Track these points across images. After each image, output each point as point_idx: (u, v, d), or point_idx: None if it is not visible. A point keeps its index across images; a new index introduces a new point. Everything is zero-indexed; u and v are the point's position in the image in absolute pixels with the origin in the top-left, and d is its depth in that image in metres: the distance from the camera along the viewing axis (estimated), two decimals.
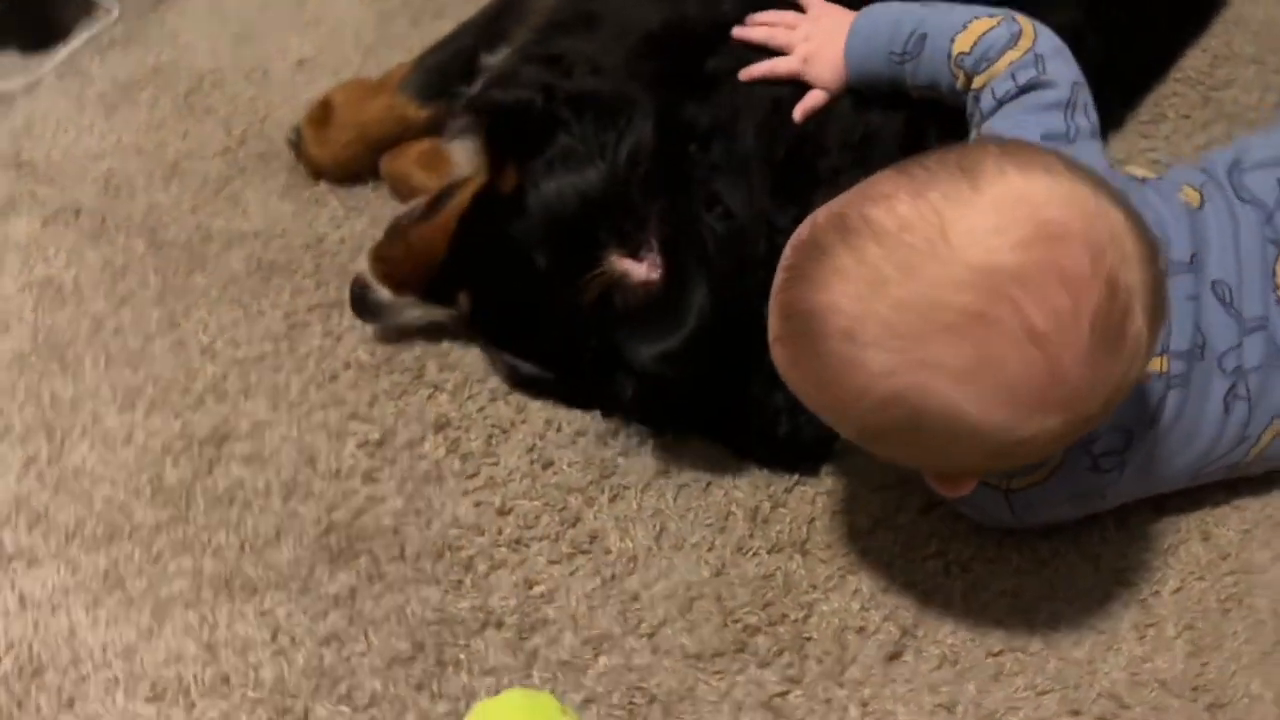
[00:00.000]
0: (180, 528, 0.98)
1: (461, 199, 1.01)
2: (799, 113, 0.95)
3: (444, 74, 1.20)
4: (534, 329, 0.97)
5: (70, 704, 0.87)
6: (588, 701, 0.85)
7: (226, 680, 0.88)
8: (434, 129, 1.23)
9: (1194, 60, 1.27)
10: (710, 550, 0.94)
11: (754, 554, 0.94)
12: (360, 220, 1.24)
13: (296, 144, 1.27)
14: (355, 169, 1.25)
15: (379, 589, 0.93)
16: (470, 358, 1.08)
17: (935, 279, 0.63)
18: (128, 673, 0.89)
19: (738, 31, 0.98)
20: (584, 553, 0.94)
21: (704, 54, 0.98)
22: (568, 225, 0.93)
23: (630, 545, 0.94)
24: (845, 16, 0.95)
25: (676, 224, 0.88)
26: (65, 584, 0.94)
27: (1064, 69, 0.85)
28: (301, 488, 1.00)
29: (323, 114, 1.24)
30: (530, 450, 1.01)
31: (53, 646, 0.90)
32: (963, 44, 0.90)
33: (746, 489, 0.97)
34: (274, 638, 0.90)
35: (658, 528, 0.95)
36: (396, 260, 1.02)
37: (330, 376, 1.09)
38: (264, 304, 1.16)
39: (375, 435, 1.04)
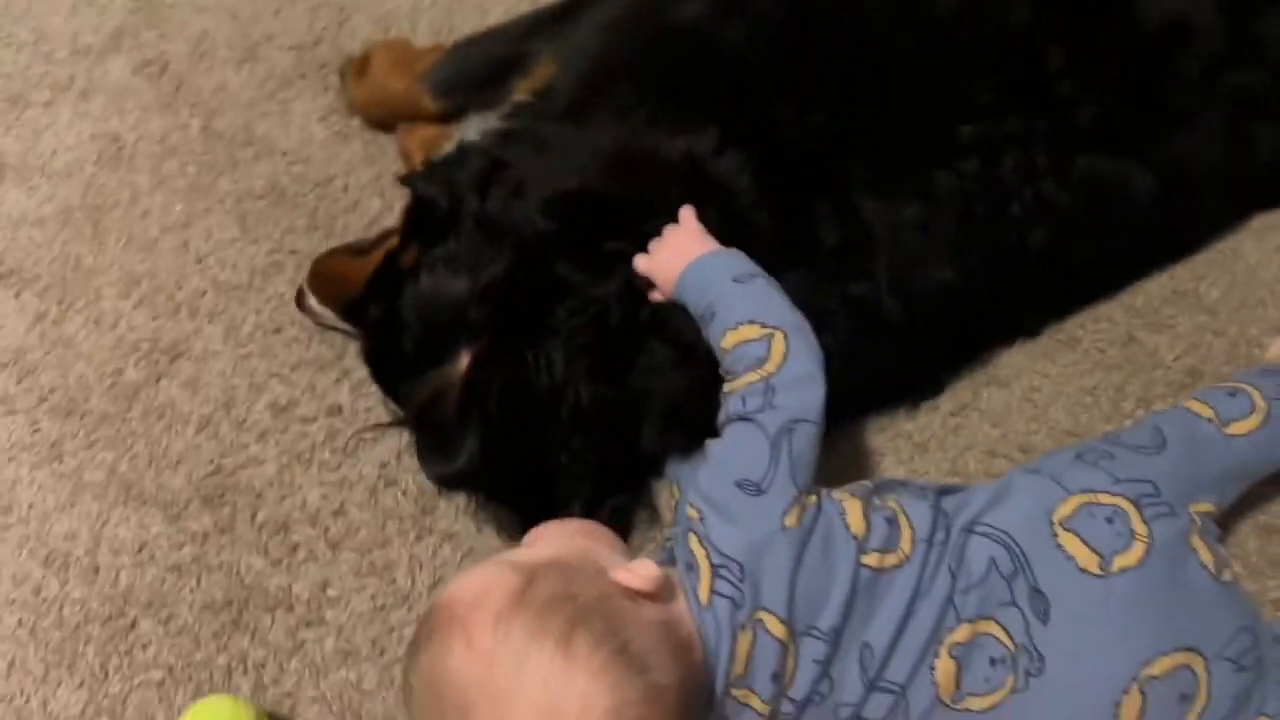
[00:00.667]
0: (116, 425, 1.24)
1: (381, 253, 1.16)
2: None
3: (463, 76, 1.30)
4: (397, 391, 1.14)
5: None
6: (314, 701, 1.10)
7: (96, 571, 1.16)
8: (447, 118, 1.34)
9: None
10: None
11: None
12: (368, 173, 1.39)
13: (343, 77, 1.41)
14: (378, 123, 1.39)
15: (224, 541, 1.18)
16: None
17: None
18: (37, 534, 1.18)
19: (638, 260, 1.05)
20: (376, 575, 1.15)
21: (611, 232, 1.06)
22: (430, 323, 1.08)
23: (409, 585, 1.15)
24: (686, 256, 1.01)
25: (483, 367, 1.02)
26: (24, 440, 1.23)
27: (794, 400, 0.91)
28: (212, 426, 1.24)
29: (361, 66, 1.36)
30: (384, 466, 1.21)
31: (1, 490, 1.21)
32: (727, 343, 0.96)
33: None
34: (139, 550, 1.17)
35: (435, 578, 1.15)
36: (327, 278, 1.19)
37: (276, 328, 1.29)
38: (260, 231, 1.36)
39: (283, 400, 1.25)
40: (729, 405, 0.95)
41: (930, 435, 1.19)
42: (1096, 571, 0.91)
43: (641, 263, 1.03)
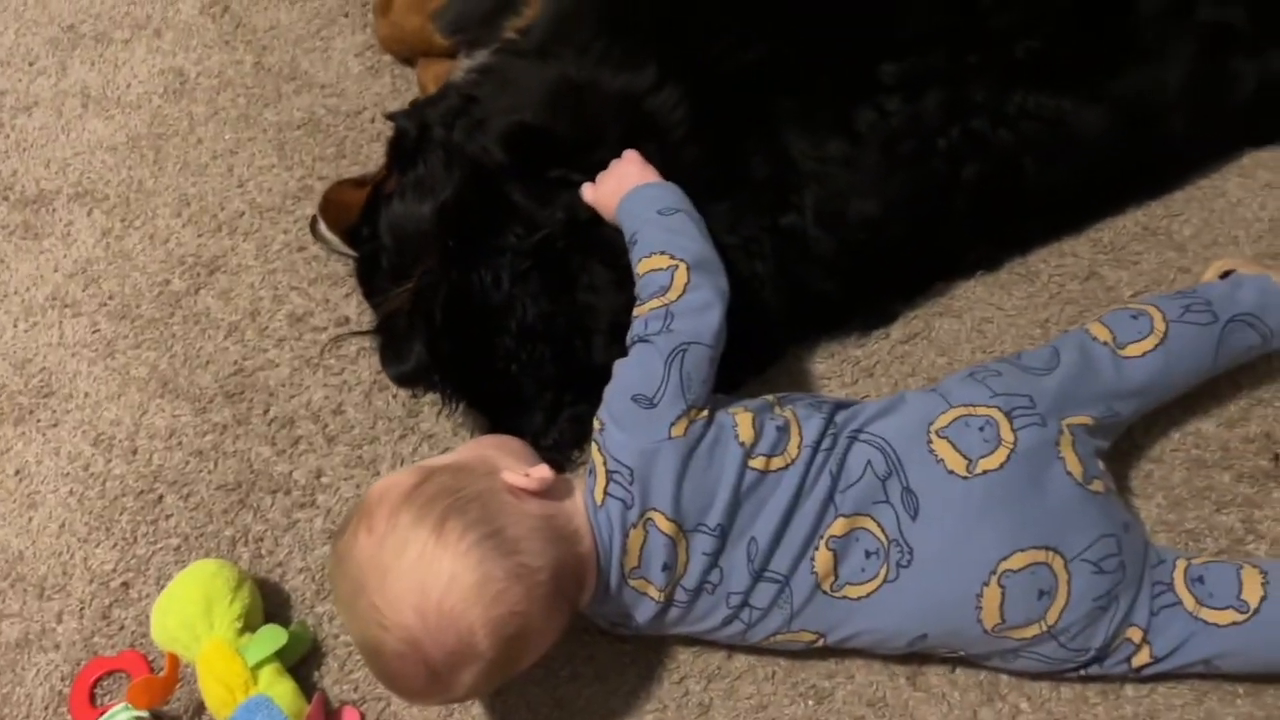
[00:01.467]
0: (160, 328, 1.42)
1: (374, 181, 1.29)
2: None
3: (468, 16, 1.40)
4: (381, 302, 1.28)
5: (55, 425, 1.39)
6: (301, 571, 1.27)
7: (134, 453, 1.36)
8: (455, 53, 1.46)
9: None
10: None
11: None
12: (395, 106, 1.50)
13: (374, 13, 1.54)
14: (401, 57, 1.52)
15: (240, 431, 1.35)
16: None
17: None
18: (90, 419, 1.38)
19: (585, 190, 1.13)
20: (363, 467, 1.30)
21: (559, 162, 1.16)
22: (400, 242, 1.21)
23: None
24: (625, 186, 1.08)
25: (431, 280, 1.14)
26: (85, 339, 1.43)
27: (689, 325, 1.00)
28: (239, 332, 1.41)
29: (385, 5, 1.49)
30: (379, 372, 1.35)
31: (64, 381, 1.41)
32: (640, 269, 1.04)
33: None
34: (170, 436, 1.36)
35: None
36: (334, 206, 1.34)
37: (300, 247, 1.45)
38: (295, 158, 1.51)
39: (300, 311, 1.41)
40: (634, 327, 1.04)
41: (877, 361, 1.25)
42: (963, 473, 0.98)
43: (587, 191, 1.13)
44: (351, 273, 1.38)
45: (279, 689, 1.07)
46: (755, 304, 1.11)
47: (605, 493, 0.99)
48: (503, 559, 0.93)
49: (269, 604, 1.18)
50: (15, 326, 1.39)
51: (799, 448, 1.01)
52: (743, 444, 1.00)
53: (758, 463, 0.99)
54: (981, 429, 1.00)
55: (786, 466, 1.00)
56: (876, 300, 1.20)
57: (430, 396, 1.30)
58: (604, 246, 1.10)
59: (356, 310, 1.36)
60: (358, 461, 1.27)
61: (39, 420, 1.34)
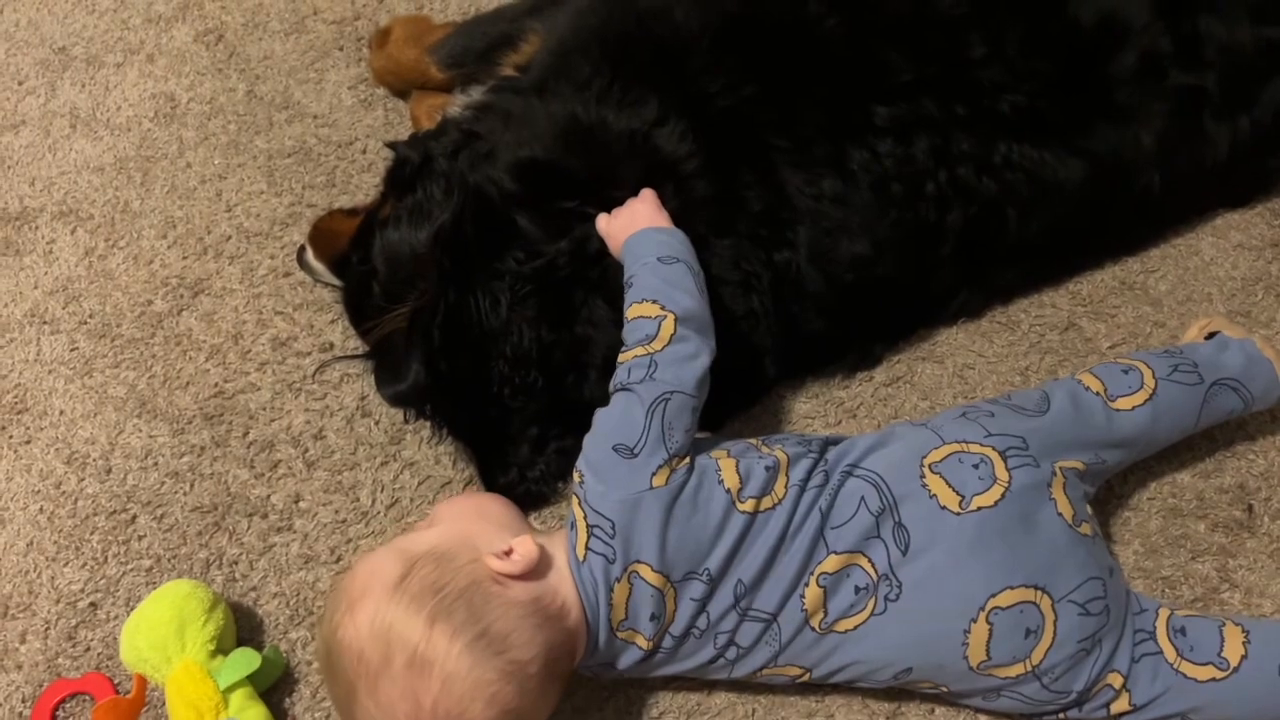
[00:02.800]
0: (140, 348, 1.41)
1: (367, 210, 1.30)
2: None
3: (467, 51, 1.42)
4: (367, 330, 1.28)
5: (27, 441, 1.36)
6: (275, 596, 1.25)
7: (109, 472, 1.33)
8: (451, 88, 1.48)
9: None
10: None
11: None
12: (386, 138, 1.53)
13: (370, 48, 1.56)
14: (395, 90, 1.53)
15: (218, 454, 1.33)
16: None
17: None
18: (64, 437, 1.35)
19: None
20: (343, 493, 1.29)
21: (570, 195, 1.16)
22: (394, 268, 1.21)
23: (370, 504, 1.28)
24: (635, 226, 1.10)
25: (432, 298, 1.12)
26: (63, 356, 1.41)
27: (672, 375, 1.00)
28: (220, 355, 1.40)
29: (382, 38, 1.51)
30: (362, 399, 1.34)
31: (39, 397, 1.39)
32: (629, 314, 1.05)
33: None
34: (146, 457, 1.34)
35: (393, 500, 1.29)
36: (324, 235, 1.34)
37: (286, 273, 1.45)
38: (285, 185, 1.51)
39: (284, 335, 1.40)
40: (617, 375, 1.02)
41: (860, 403, 1.26)
42: (955, 509, 0.98)
43: (601, 221, 1.13)
44: (338, 299, 1.38)
45: (250, 714, 1.06)
46: (749, 339, 1.11)
47: (587, 548, 0.99)
48: (494, 659, 0.93)
49: (242, 628, 1.16)
50: None
51: (786, 486, 1.00)
52: (729, 490, 0.99)
53: (747, 505, 0.99)
54: (976, 466, 1.00)
55: (774, 506, 0.99)
56: (861, 341, 1.21)
57: (412, 424, 1.29)
58: (608, 282, 1.11)
59: (341, 336, 1.36)
60: (337, 487, 1.26)
61: (11, 437, 1.32)
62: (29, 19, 1.65)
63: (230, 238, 1.44)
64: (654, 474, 0.97)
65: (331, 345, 1.36)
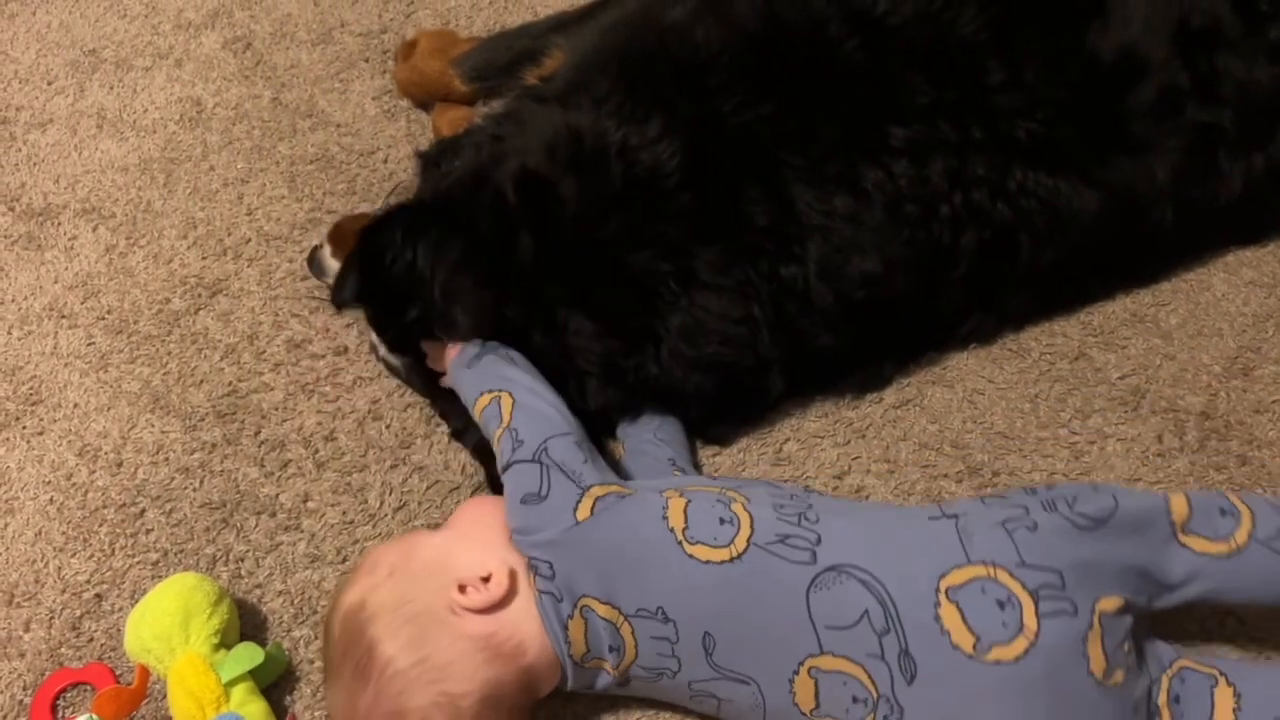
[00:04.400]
0: (156, 345, 1.42)
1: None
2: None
3: (491, 65, 1.45)
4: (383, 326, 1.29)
5: (40, 432, 1.37)
6: (280, 594, 1.25)
7: (119, 465, 1.34)
8: (473, 100, 1.50)
9: None
10: None
11: None
12: (408, 148, 1.55)
13: (396, 59, 1.58)
14: (419, 102, 1.56)
15: (229, 451, 1.34)
16: None
17: None
18: (76, 430, 1.36)
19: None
20: (351, 495, 1.29)
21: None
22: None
23: (378, 506, 1.29)
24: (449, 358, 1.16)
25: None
26: (79, 350, 1.42)
27: (534, 429, 1.03)
28: (235, 354, 1.41)
29: (408, 50, 1.53)
30: (374, 403, 1.36)
31: (53, 390, 1.40)
32: (476, 416, 1.10)
33: None
34: (157, 452, 1.35)
35: (401, 503, 1.29)
36: (345, 234, 1.35)
37: (304, 276, 1.46)
38: (306, 191, 1.53)
39: (299, 337, 1.41)
40: (498, 463, 1.05)
41: (869, 424, 1.27)
42: (969, 652, 0.87)
43: (430, 354, 1.19)
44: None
45: (251, 708, 1.06)
46: (751, 345, 1.13)
47: (536, 589, 0.98)
48: (426, 688, 0.95)
49: (246, 625, 1.16)
50: (9, 334, 1.39)
51: (747, 542, 0.94)
52: (672, 529, 0.96)
53: (696, 550, 0.94)
54: (1002, 605, 0.88)
55: (732, 560, 0.93)
56: (870, 360, 1.22)
57: (422, 428, 1.30)
58: (588, 299, 1.13)
59: (356, 340, 1.37)
60: (346, 488, 1.26)
61: (24, 427, 1.33)
62: (61, 21, 1.68)
63: (250, 240, 1.46)
64: (575, 508, 0.98)
65: (346, 349, 1.36)
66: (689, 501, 0.98)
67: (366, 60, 1.62)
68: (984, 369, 1.28)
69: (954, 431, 1.24)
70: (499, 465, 1.05)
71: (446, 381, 1.16)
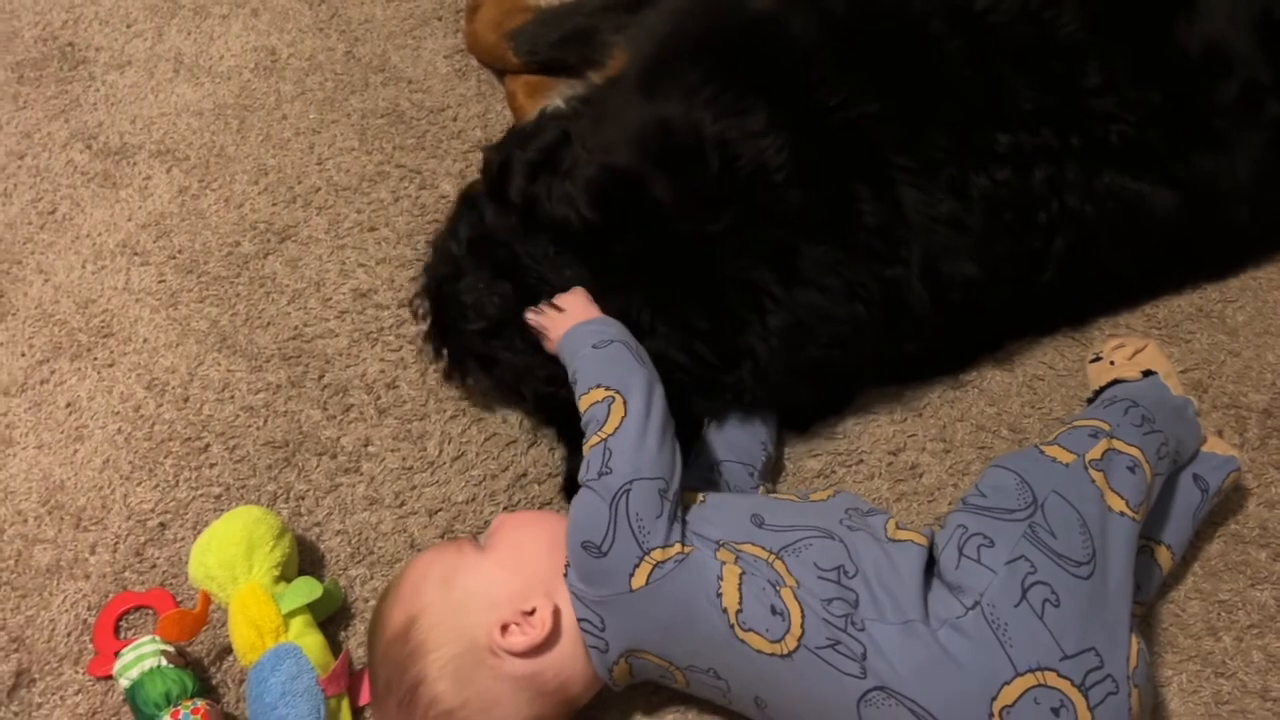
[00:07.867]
0: (225, 286, 1.45)
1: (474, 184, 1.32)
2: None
3: (541, 39, 1.45)
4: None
5: (111, 364, 1.40)
6: (338, 534, 1.27)
7: (186, 400, 1.37)
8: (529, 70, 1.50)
9: None
10: (479, 484, 1.28)
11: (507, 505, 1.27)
12: (477, 107, 1.57)
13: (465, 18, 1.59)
14: (482, 62, 1.57)
15: (292, 393, 1.37)
16: None
17: None
18: (146, 364, 1.39)
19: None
20: (410, 441, 1.31)
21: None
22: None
23: (436, 453, 1.31)
24: (567, 322, 1.10)
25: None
26: (150, 287, 1.45)
27: (627, 461, 0.95)
28: (301, 300, 1.43)
29: (472, 11, 1.54)
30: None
31: (124, 324, 1.42)
32: (581, 406, 1.02)
33: (530, 463, 1.29)
34: (223, 389, 1.37)
35: (459, 452, 1.31)
36: None
37: (371, 227, 1.48)
38: (375, 145, 1.55)
39: (365, 287, 1.44)
40: (582, 468, 0.99)
41: (926, 403, 1.28)
42: None
43: (531, 316, 1.12)
44: (419, 257, 1.41)
45: (308, 640, 1.08)
46: (854, 349, 1.12)
47: (582, 631, 0.97)
48: None
49: (304, 562, 1.19)
50: (83, 267, 1.42)
51: (798, 642, 0.91)
52: (725, 610, 0.93)
53: (749, 638, 0.92)
54: (1057, 711, 0.86)
55: (783, 656, 0.92)
56: (953, 360, 1.22)
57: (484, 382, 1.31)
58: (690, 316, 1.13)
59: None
60: (406, 435, 1.28)
61: (95, 358, 1.35)
62: None
63: (319, 189, 1.48)
64: (631, 574, 0.94)
65: (411, 302, 1.38)
66: (743, 573, 0.94)
67: (440, 18, 1.64)
68: (1045, 355, 1.29)
69: (1012, 415, 1.25)
70: (581, 473, 0.99)
71: (552, 348, 1.10)
